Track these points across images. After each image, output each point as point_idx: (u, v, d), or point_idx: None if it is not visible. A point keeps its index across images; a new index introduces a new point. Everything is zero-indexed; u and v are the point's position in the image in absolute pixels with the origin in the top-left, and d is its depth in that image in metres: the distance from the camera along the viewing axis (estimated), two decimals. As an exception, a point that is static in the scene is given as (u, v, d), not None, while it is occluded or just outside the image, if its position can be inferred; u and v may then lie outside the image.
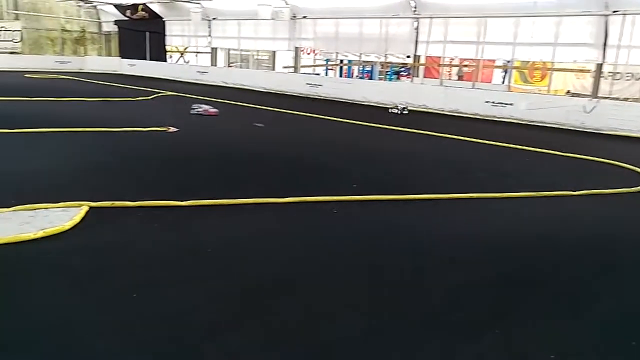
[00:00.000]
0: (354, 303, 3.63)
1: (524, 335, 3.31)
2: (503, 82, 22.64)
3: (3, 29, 26.66)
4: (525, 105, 14.65)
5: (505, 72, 22.18)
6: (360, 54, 20.56)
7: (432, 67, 21.48)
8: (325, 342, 3.11)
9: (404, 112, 15.50)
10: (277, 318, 3.37)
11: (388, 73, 24.11)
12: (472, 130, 12.21)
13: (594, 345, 3.27)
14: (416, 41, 17.40)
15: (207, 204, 5.57)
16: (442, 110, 16.06)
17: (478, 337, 3.25)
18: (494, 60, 20.14)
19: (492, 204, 6.37)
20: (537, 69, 20.15)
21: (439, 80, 19.32)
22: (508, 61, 18.80)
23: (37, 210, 5.03)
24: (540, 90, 20.01)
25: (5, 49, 26.91)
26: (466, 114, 15.58)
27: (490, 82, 22.71)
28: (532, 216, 5.93)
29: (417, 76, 20.05)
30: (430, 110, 16.22)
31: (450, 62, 21.87)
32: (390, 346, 3.10)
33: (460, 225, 5.46)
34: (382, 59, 20.78)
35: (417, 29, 17.31)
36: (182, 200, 5.54)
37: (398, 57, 21.04)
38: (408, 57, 19.25)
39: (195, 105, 8.69)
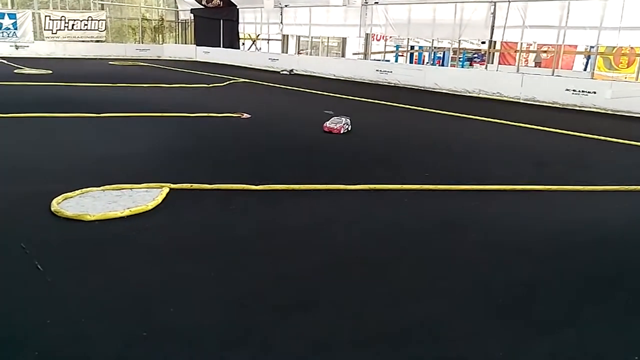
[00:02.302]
0: (422, 291, 3.62)
1: (602, 335, 3.17)
2: (585, 69, 21.40)
3: (90, 18, 28.27)
4: (609, 94, 13.77)
5: (588, 58, 20.93)
6: (433, 40, 20.10)
7: (508, 54, 20.66)
8: (405, 327, 3.13)
9: (292, 72, 19.29)
10: (349, 301, 3.42)
11: (460, 60, 23.43)
12: (551, 120, 11.67)
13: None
14: (492, 26, 16.77)
15: (280, 188, 5.71)
16: (518, 99, 15.44)
17: (553, 334, 3.15)
18: (575, 46, 19.07)
19: (572, 196, 6.10)
20: (624, 54, 18.86)
21: (515, 67, 18.55)
22: (592, 47, 17.73)
23: (122, 190, 5.36)
24: (626, 78, 18.74)
25: (92, 37, 28.56)
26: (544, 102, 14.90)
27: (570, 69, 21.52)
28: (615, 211, 5.62)
29: (492, 63, 19.35)
30: (505, 99, 15.64)
31: (528, 47, 20.92)
32: (459, 336, 3.07)
33: (537, 218, 5.26)
34: (455, 45, 20.22)
35: (493, 13, 16.68)
36: (256, 185, 5.70)
37: (472, 43, 20.41)
38: (483, 43, 18.63)
39: (335, 118, 9.20)
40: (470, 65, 24.35)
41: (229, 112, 10.78)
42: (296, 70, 22.66)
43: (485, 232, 4.81)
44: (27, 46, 25.90)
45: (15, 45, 25.49)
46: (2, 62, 21.40)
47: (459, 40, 18.77)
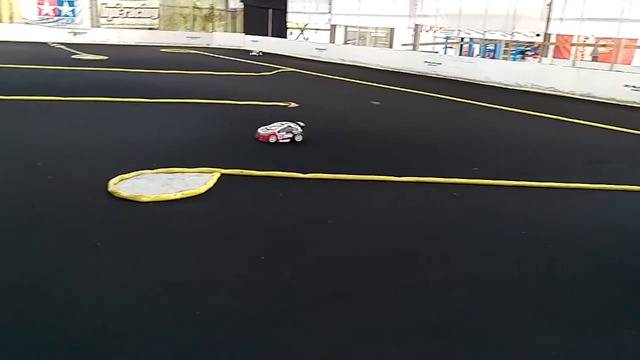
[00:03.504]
0: (467, 282, 3.58)
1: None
2: (646, 64, 20.40)
3: (143, 6, 28.97)
4: (672, 91, 13.10)
5: (650, 53, 19.95)
6: (484, 31, 19.59)
7: (562, 47, 19.92)
8: (449, 318, 3.11)
9: (260, 54, 21.50)
10: (392, 290, 3.42)
11: (512, 52, 22.75)
12: (608, 117, 11.21)
13: None
14: (548, 18, 16.21)
15: (327, 177, 5.74)
16: (573, 94, 14.88)
17: (607, 335, 3.06)
18: (635, 40, 18.18)
19: (630, 196, 5.86)
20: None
21: (571, 61, 17.88)
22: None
23: (175, 173, 5.51)
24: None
25: (145, 25, 29.29)
26: (601, 98, 14.30)
27: (630, 64, 20.57)
28: (677, 213, 5.37)
29: (546, 56, 18.72)
30: (559, 94, 15.12)
31: (584, 41, 20.12)
32: (501, 329, 3.03)
33: (591, 217, 5.11)
34: (508, 38, 19.65)
35: (550, 5, 16.10)
36: (304, 173, 5.75)
37: (525, 36, 19.77)
38: (537, 35, 18.02)
39: (277, 124, 7.44)
40: (523, 58, 23.63)
41: (276, 100, 10.88)
42: (342, 60, 22.59)
43: (535, 228, 4.69)
44: (84, 33, 26.81)
45: (73, 32, 26.43)
46: (60, 48, 22.26)
47: (512, 33, 18.21)
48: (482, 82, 17.16)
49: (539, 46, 19.69)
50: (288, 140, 7.28)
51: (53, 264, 3.55)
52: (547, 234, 4.60)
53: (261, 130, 7.33)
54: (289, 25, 28.18)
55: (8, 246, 3.78)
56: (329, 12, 25.10)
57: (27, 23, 25.83)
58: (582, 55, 21.92)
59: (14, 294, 3.15)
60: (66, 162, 5.85)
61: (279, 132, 7.26)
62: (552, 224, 4.85)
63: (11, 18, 26.72)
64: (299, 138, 7.36)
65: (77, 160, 5.95)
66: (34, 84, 11.40)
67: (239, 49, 27.72)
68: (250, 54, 23.86)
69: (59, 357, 2.59)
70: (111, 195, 4.82)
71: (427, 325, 3.07)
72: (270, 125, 7.42)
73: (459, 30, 21.61)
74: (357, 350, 2.79)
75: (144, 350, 2.68)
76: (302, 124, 7.48)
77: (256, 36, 28.48)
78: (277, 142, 7.20)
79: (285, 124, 7.42)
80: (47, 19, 26.11)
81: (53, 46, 22.92)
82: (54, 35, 25.59)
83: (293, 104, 10.64)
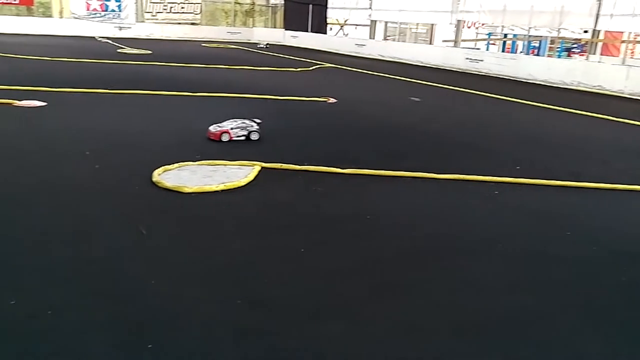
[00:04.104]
0: (509, 283, 3.51)
1: None
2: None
3: (186, 1, 29.52)
4: None
5: None
6: (529, 28, 19.09)
7: (611, 44, 19.22)
8: (494, 319, 3.07)
9: (267, 47, 22.50)
10: (435, 288, 3.40)
11: (558, 49, 22.10)
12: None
13: None
14: (597, 14, 15.67)
15: (366, 173, 5.73)
16: (622, 93, 14.36)
17: (660, 342, 2.96)
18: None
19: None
20: None
21: (620, 59, 17.24)
22: None
23: (217, 166, 5.61)
24: None
25: (187, 20, 29.85)
26: (652, 98, 13.77)
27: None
28: None
29: (594, 53, 18.09)
30: (606, 92, 14.61)
31: (635, 38, 19.36)
32: (547, 333, 2.96)
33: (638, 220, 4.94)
34: (554, 34, 19.10)
35: (599, 0, 15.55)
36: (342, 168, 5.76)
37: (572, 32, 19.18)
38: (585, 32, 17.45)
39: (230, 121, 6.91)
40: (569, 55, 22.92)
41: (315, 96, 10.91)
42: (382, 56, 22.43)
43: (578, 230, 4.57)
44: (129, 27, 27.52)
45: (119, 27, 27.17)
46: (107, 42, 22.91)
47: (559, 29, 17.69)
48: (526, 79, 16.76)
49: (586, 43, 19.05)
50: (243, 138, 6.80)
51: (99, 250, 3.68)
52: (592, 235, 4.47)
53: (213, 128, 6.79)
54: (328, 21, 28.15)
55: (55, 234, 3.93)
56: (370, 8, 24.94)
57: (76, 18, 26.70)
58: (633, 53, 21.11)
59: (61, 282, 3.28)
60: (113, 152, 6.03)
61: (232, 129, 6.76)
62: (599, 225, 4.71)
63: (61, 13, 27.69)
64: (254, 136, 6.87)
65: (123, 151, 6.13)
66: (83, 77, 11.79)
67: (278, 45, 27.90)
68: (258, 46, 25.00)
69: (108, 337, 2.68)
70: (155, 185, 4.95)
71: (474, 325, 3.04)
72: (223, 123, 6.90)
73: (503, 26, 21.14)
74: (397, 345, 2.78)
75: (192, 335, 2.75)
76: (258, 120, 7.05)
77: (296, 32, 28.60)
78: (230, 140, 6.69)
79: (239, 121, 6.93)
80: (95, 14, 26.92)
81: (100, 40, 23.62)
82: (101, 30, 26.37)
83: (332, 100, 10.65)
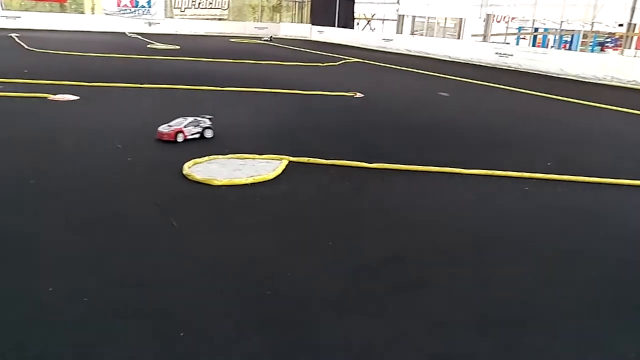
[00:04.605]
0: (541, 279, 3.47)
1: None
2: None
3: (215, -3, 29.77)
4: None
5: None
6: (562, 21, 18.67)
7: (648, 38, 18.65)
8: (526, 314, 3.04)
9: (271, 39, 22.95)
10: (464, 283, 3.38)
11: (591, 44, 21.58)
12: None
13: None
14: (633, 7, 15.22)
15: (393, 168, 5.71)
16: (658, 88, 13.96)
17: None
18: None
19: None
20: None
21: (657, 53, 16.75)
22: None
23: (245, 159, 5.67)
24: None
25: (215, 16, 30.11)
26: (690, 93, 13.34)
27: None
28: None
29: (629, 48, 17.59)
30: (642, 87, 14.22)
31: (673, 32, 18.73)
32: (581, 331, 2.92)
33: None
34: (587, 28, 18.64)
35: (636, -8, 15.12)
36: (370, 162, 5.75)
37: (607, 26, 18.69)
38: (620, 25, 16.98)
39: (180, 119, 6.37)
40: (602, 50, 22.37)
41: (342, 90, 10.90)
42: (409, 51, 22.23)
43: (611, 227, 4.47)
44: (159, 23, 27.90)
45: (149, 22, 27.57)
46: (136, 37, 23.28)
47: (592, 22, 17.25)
48: (557, 74, 16.41)
49: (620, 37, 18.54)
50: (197, 136, 6.40)
51: (131, 240, 3.76)
52: (626, 233, 4.37)
53: (163, 128, 6.33)
54: (355, 15, 28.03)
55: (88, 224, 4.04)
56: (397, 2, 24.74)
57: (107, 14, 27.20)
58: (670, 47, 20.45)
59: (96, 270, 3.37)
60: (144, 145, 6.14)
61: (185, 127, 6.32)
62: (633, 224, 4.60)
63: (93, 10, 28.24)
64: (209, 134, 6.51)
65: (153, 144, 6.24)
66: (114, 71, 12.02)
67: (305, 40, 27.92)
68: (263, 39, 25.94)
69: (141, 325, 2.75)
70: (186, 177, 5.03)
71: (504, 321, 3.01)
72: (173, 122, 6.41)
73: (534, 20, 20.73)
74: (424, 339, 2.78)
75: (221, 325, 2.79)
76: (209, 116, 6.64)
77: (323, 27, 28.56)
78: (185, 140, 6.24)
79: (190, 119, 6.49)
80: (125, 10, 27.35)
81: (130, 36, 24.02)
82: (131, 25, 26.80)
83: (359, 94, 10.62)
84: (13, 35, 20.00)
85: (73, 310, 2.85)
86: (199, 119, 6.56)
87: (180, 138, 6.25)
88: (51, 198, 4.46)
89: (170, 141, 6.20)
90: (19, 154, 5.65)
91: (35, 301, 2.93)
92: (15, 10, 25.12)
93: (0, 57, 13.81)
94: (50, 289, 3.04)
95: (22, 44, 16.97)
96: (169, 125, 6.38)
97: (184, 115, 6.61)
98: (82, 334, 2.67)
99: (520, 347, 2.78)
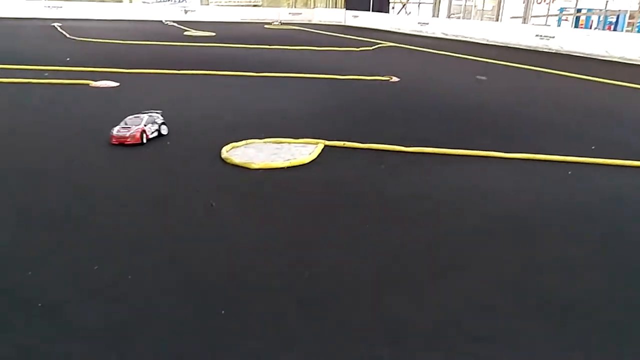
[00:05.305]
0: (582, 264, 3.37)
1: None
2: None
3: (249, -16, 29.84)
4: None
5: None
6: (607, 1, 17.93)
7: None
8: (566, 299, 2.98)
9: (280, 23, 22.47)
10: (504, 267, 3.32)
11: (638, 24, 20.66)
12: None
13: None
14: (685, -16, 14.47)
15: (431, 151, 5.63)
16: None
17: None
18: None
19: None
20: None
21: None
22: None
23: (282, 144, 5.69)
24: None
25: (249, 2, 30.20)
26: None
27: None
28: None
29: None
30: (693, 69, 13.57)
31: None
32: (626, 318, 2.84)
33: None
34: (634, 8, 17.85)
35: (688, -31, 14.36)
36: (406, 146, 5.69)
37: (655, 5, 17.84)
38: (670, 4, 16.19)
39: (132, 118, 5.71)
40: (650, 30, 21.38)
41: (377, 75, 10.79)
42: (445, 35, 21.79)
43: (664, 214, 4.31)
44: (194, 10, 28.17)
45: (185, 10, 27.87)
46: (173, 25, 23.58)
47: (639, 2, 16.50)
48: (602, 56, 15.82)
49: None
50: (156, 134, 5.80)
51: (172, 221, 3.84)
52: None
53: (118, 132, 5.56)
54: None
55: (131, 205, 4.14)
56: (434, -15, 24.25)
57: (144, 2, 27.64)
58: None
59: (139, 249, 3.47)
60: (183, 130, 6.23)
61: (146, 126, 5.67)
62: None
63: (131, -2, 28.75)
64: (164, 130, 5.92)
65: (192, 128, 6.33)
66: (152, 58, 12.22)
67: (339, 25, 27.72)
68: (273, 23, 26.66)
69: (182, 303, 2.82)
70: (224, 161, 5.09)
71: (543, 306, 2.95)
72: (129, 124, 5.69)
73: (577, 0, 19.97)
74: (467, 320, 2.75)
75: (260, 304, 2.83)
76: (159, 111, 6.10)
77: (357, 11, 28.27)
78: (147, 140, 5.63)
79: (145, 115, 5.83)
80: (163, -2, 27.75)
81: (167, 24, 24.35)
82: (168, 13, 27.15)
83: (395, 78, 10.50)
84: (55, 24, 20.55)
85: (118, 288, 2.94)
86: (153, 114, 5.92)
87: (144, 139, 5.60)
88: (91, 179, 4.60)
89: (136, 144, 5.48)
90: (67, 137, 5.84)
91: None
92: (57, 0, 25.78)
93: (44, 46, 14.22)
94: (96, 267, 3.14)
95: (64, 32, 17.43)
96: (123, 127, 5.60)
97: (135, 113, 5.96)
98: (126, 310, 2.75)
99: (567, 331, 2.72)
